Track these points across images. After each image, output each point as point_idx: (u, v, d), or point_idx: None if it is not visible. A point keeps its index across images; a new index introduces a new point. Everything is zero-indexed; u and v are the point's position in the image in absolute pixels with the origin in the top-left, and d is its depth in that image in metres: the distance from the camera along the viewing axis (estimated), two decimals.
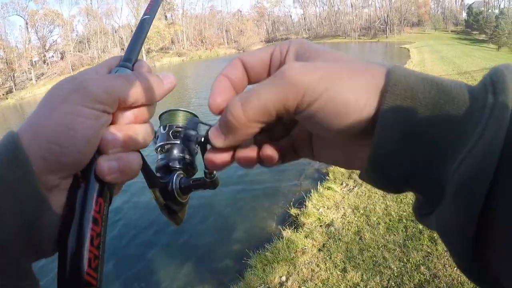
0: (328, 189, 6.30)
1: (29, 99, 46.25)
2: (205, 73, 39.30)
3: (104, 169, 0.44)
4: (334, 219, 5.05)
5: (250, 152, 0.42)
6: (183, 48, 79.78)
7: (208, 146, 0.42)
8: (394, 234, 4.43)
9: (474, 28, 69.74)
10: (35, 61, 65.36)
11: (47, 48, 68.33)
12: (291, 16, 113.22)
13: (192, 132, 0.70)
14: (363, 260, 3.99)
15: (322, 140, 0.42)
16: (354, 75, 0.35)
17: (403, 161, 0.33)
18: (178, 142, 0.69)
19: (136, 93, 0.46)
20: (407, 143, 0.32)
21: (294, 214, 5.59)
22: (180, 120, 0.71)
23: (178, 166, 0.68)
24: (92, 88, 0.43)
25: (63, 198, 0.43)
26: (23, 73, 60.22)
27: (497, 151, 0.28)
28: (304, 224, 5.10)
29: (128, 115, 0.47)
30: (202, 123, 0.68)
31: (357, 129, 0.35)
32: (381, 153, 0.34)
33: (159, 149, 0.70)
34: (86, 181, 0.43)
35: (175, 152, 0.69)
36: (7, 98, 49.36)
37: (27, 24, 66.14)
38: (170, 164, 0.68)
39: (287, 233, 4.89)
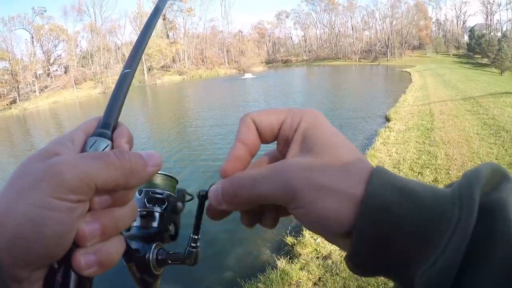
0: None
1: (32, 110, 46.86)
2: (204, 93, 39.45)
3: (81, 265, 0.40)
4: (332, 251, 4.77)
5: (249, 216, 0.49)
6: (184, 66, 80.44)
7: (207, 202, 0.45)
8: None
9: (476, 51, 69.76)
10: (39, 74, 66.46)
11: (51, 62, 69.19)
12: (291, 38, 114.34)
13: (179, 204, 0.65)
14: None
15: None
16: (339, 188, 0.39)
17: (377, 265, 0.39)
18: (158, 210, 0.63)
19: (116, 179, 0.41)
20: (380, 250, 0.37)
21: (290, 243, 5.34)
22: (159, 184, 0.65)
23: (156, 237, 0.63)
24: (66, 175, 0.38)
25: None
26: (27, 85, 61.28)
27: (457, 265, 0.32)
28: (300, 254, 4.85)
29: (107, 199, 0.43)
30: (186, 193, 0.67)
31: (337, 235, 0.40)
32: (357, 258, 0.40)
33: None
34: (62, 274, 0.40)
35: (154, 221, 0.63)
36: (10, 108, 50.27)
37: (32, 38, 67.09)
38: (147, 234, 0.63)
39: (281, 263, 4.65)
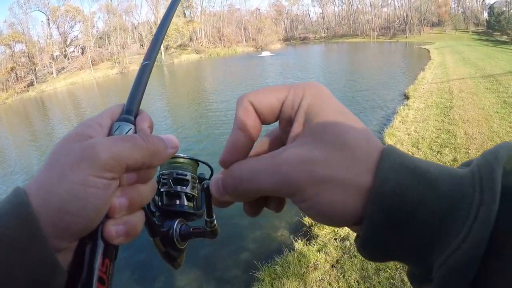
0: None
1: (49, 92, 47.19)
2: (222, 72, 39.20)
3: (112, 234, 0.45)
4: (350, 232, 4.70)
5: (251, 205, 0.46)
6: (201, 45, 79.94)
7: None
8: None
9: (495, 29, 67.79)
10: (56, 56, 66.71)
11: (68, 43, 69.51)
12: (309, 15, 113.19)
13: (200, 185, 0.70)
14: (379, 282, 3.69)
15: None
16: (345, 179, 0.36)
17: (388, 252, 0.37)
18: (182, 189, 0.68)
19: (142, 159, 0.46)
20: (392, 238, 0.35)
21: (307, 224, 5.30)
22: (184, 166, 0.70)
23: (179, 213, 0.68)
24: (102, 156, 0.42)
25: (70, 257, 0.44)
26: (44, 67, 61.70)
27: (479, 255, 0.30)
28: (317, 236, 4.82)
29: (133, 176, 0.47)
30: (205, 178, 0.71)
31: (345, 225, 0.39)
32: (367, 245, 0.37)
33: (162, 193, 0.69)
34: (92, 243, 0.44)
35: (177, 199, 0.68)
36: (28, 91, 50.86)
37: (48, 19, 67.47)
38: (171, 210, 0.68)
39: (299, 245, 4.62)
